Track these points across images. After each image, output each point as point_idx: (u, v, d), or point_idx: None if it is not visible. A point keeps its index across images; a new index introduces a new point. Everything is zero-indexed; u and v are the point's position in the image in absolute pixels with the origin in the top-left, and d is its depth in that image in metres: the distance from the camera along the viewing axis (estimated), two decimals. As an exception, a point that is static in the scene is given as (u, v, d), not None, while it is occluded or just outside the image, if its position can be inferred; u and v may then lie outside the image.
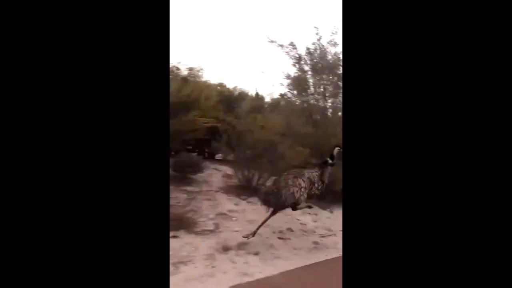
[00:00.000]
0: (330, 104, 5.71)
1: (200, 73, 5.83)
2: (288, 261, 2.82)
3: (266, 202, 3.00)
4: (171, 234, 2.81)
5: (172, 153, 4.83)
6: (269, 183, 3.58)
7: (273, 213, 3.00)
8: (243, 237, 3.00)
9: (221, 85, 7.07)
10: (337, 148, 3.37)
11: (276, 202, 2.92)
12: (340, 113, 5.42)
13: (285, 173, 3.16)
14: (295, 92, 5.76)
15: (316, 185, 3.12)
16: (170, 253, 2.49)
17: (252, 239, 3.00)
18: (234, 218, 3.68)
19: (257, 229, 3.01)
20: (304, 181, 3.01)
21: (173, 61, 5.28)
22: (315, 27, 5.45)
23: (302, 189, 2.98)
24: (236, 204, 4.14)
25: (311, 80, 5.59)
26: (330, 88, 5.54)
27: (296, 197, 2.93)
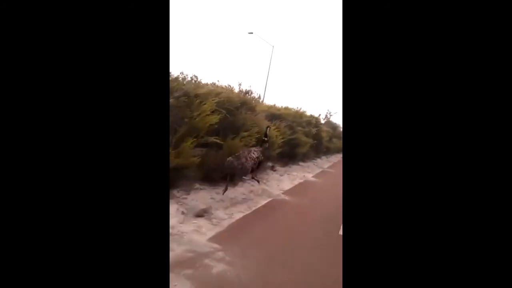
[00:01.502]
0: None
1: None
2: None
3: (231, 170, 4.15)
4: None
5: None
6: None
7: (231, 177, 4.31)
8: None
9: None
10: (267, 127, 5.11)
11: (241, 171, 4.21)
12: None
13: (240, 152, 4.34)
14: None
15: (260, 157, 4.52)
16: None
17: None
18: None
19: (226, 187, 4.08)
20: (254, 155, 4.37)
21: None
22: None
23: (255, 160, 4.36)
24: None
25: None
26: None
27: (251, 166, 4.31)
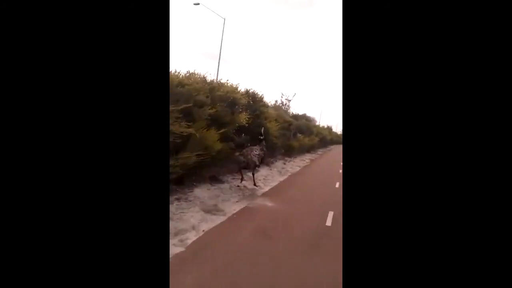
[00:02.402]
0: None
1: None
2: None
3: (244, 167, 5.39)
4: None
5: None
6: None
7: (253, 172, 5.49)
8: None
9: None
10: (262, 128, 6.05)
11: (250, 166, 5.30)
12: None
13: (245, 149, 5.40)
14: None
15: (261, 153, 5.57)
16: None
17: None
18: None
19: (254, 181, 5.48)
20: (257, 151, 5.43)
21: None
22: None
23: (258, 156, 5.44)
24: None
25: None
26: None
27: (258, 162, 5.42)
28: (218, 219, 3.40)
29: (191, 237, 2.78)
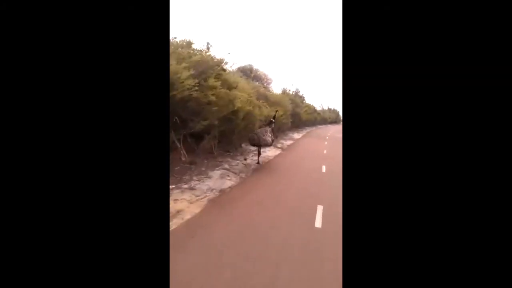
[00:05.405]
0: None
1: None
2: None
3: (254, 144, 6.46)
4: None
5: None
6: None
7: (259, 149, 6.57)
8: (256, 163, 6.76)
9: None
10: (276, 112, 7.44)
11: (263, 143, 6.37)
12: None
13: (259, 129, 6.55)
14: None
15: (271, 134, 6.51)
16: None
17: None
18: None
19: (258, 158, 6.77)
20: (269, 132, 6.44)
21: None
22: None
23: (271, 136, 6.40)
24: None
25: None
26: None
27: (270, 140, 6.42)
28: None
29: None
